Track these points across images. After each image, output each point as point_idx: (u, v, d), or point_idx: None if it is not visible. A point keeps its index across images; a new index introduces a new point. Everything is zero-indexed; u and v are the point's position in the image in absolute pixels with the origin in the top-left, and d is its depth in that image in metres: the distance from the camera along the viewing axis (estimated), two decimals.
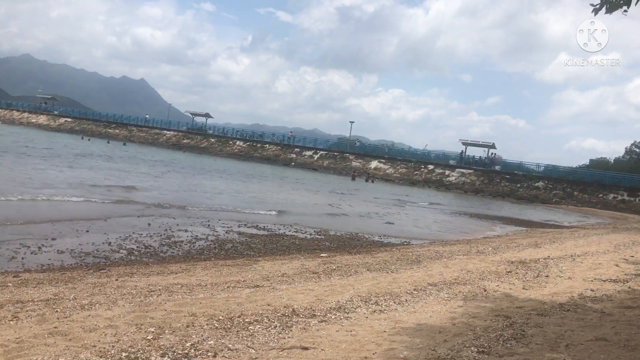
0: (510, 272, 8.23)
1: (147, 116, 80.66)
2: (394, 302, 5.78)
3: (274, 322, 4.67)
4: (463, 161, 52.02)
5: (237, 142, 62.65)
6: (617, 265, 9.28)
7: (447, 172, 50.07)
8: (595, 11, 4.77)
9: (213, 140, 63.85)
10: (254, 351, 3.88)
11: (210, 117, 70.64)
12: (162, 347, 3.80)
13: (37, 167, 21.05)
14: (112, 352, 3.64)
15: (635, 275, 8.32)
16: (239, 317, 4.74)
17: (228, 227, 11.95)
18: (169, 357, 3.63)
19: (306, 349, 3.98)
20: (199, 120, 71.22)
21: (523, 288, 6.97)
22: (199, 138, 64.73)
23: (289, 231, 12.50)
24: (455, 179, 48.93)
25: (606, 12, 4.73)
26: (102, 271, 6.83)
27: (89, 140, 55.24)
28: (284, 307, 5.21)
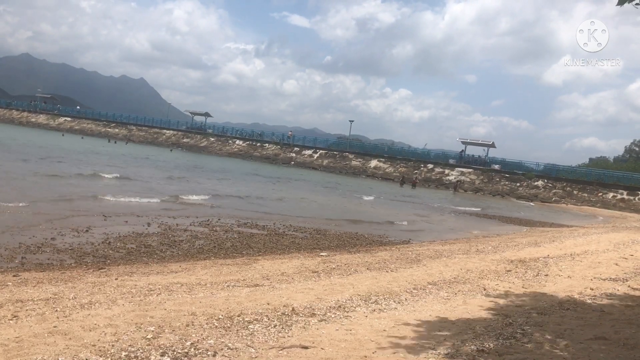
0: (510, 271, 8.24)
1: (78, 108, 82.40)
2: (394, 301, 5.78)
3: (273, 321, 4.67)
4: (463, 160, 52.02)
5: (237, 142, 62.62)
6: (616, 264, 9.28)
7: (446, 171, 50.07)
8: (621, 2, 4.78)
9: (212, 139, 63.83)
10: (253, 350, 3.88)
11: (210, 116, 70.58)
12: (161, 346, 3.80)
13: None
14: (112, 351, 3.64)
15: (634, 274, 8.33)
16: (238, 316, 4.74)
17: (228, 227, 11.95)
18: (168, 356, 3.63)
19: (306, 347, 3.99)
20: (199, 119, 71.23)
21: (523, 287, 6.98)
22: (199, 137, 64.70)
23: (289, 230, 12.50)
24: (454, 178, 48.93)
25: (617, 4, 4.73)
26: (101, 270, 6.83)
27: (82, 138, 55.31)
28: (284, 306, 5.21)
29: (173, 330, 4.18)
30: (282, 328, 4.48)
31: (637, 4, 4.71)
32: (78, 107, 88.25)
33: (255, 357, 3.75)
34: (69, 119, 73.98)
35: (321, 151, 57.43)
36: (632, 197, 41.60)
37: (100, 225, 10.41)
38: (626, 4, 4.75)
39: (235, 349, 3.88)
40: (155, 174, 25.57)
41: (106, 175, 20.71)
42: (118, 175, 21.30)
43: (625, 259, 10.16)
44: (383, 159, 53.57)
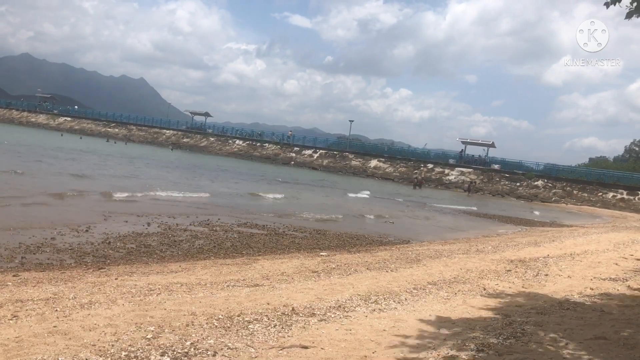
0: (510, 270, 8.24)
1: (76, 107, 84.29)
2: (394, 301, 5.78)
3: (273, 321, 4.67)
4: (462, 160, 52.04)
5: (237, 141, 62.63)
6: (616, 264, 9.28)
7: (446, 171, 50.09)
8: (607, 4, 4.80)
9: (212, 139, 63.85)
10: (253, 350, 3.88)
11: (210, 116, 70.59)
12: (161, 346, 3.80)
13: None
14: (112, 351, 3.64)
15: (634, 274, 8.33)
16: (238, 316, 4.74)
17: (228, 226, 11.94)
18: (168, 356, 3.63)
19: (306, 347, 3.99)
20: (199, 119, 71.23)
21: (522, 287, 6.98)
22: (199, 137, 64.71)
23: (289, 230, 12.49)
24: (454, 178, 48.95)
25: (626, 18, 4.76)
26: (101, 270, 6.83)
27: (80, 138, 55.38)
28: (284, 306, 5.21)
29: (173, 330, 4.18)
30: (282, 328, 4.48)
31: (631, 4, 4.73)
32: (76, 106, 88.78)
33: (255, 357, 3.75)
34: (68, 119, 73.96)
35: (321, 151, 57.47)
36: (632, 197, 41.63)
37: (100, 225, 10.40)
38: (618, 5, 4.77)
39: (235, 348, 3.88)
40: (245, 187, 23.82)
41: (269, 196, 19.83)
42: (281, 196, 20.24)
43: (625, 258, 10.16)
44: (383, 159, 53.60)
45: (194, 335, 4.11)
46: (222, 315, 4.71)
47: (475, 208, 27.34)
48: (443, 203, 29.32)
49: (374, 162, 53.43)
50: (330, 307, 5.31)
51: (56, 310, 4.61)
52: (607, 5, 4.81)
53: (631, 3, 4.70)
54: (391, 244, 12.07)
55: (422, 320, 4.98)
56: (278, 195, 20.94)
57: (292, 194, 23.02)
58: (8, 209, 10.89)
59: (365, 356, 3.88)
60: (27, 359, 3.43)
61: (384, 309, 5.43)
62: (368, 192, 29.11)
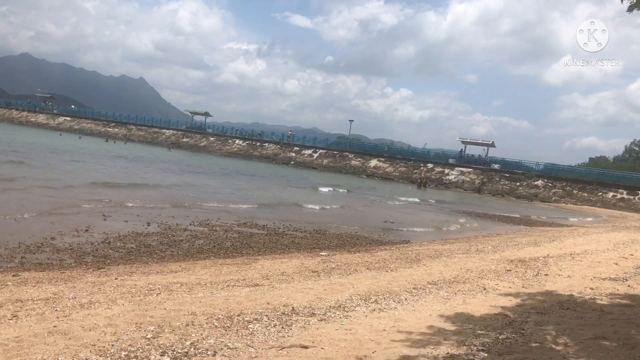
0: (510, 270, 8.24)
1: (73, 107, 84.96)
2: (394, 301, 5.78)
3: (273, 320, 4.67)
4: (462, 160, 52.04)
5: (237, 141, 62.64)
6: (616, 264, 9.28)
7: (446, 171, 50.09)
8: (630, 9, 4.81)
9: (212, 139, 63.86)
10: (253, 350, 3.88)
11: (210, 115, 70.58)
12: (161, 345, 3.80)
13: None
14: (112, 350, 3.64)
15: (634, 273, 8.33)
16: (238, 315, 4.74)
17: (227, 226, 11.94)
18: (168, 355, 3.63)
19: (306, 347, 3.99)
20: (198, 119, 71.24)
21: (522, 286, 6.98)
22: (198, 137, 64.71)
23: (289, 230, 12.49)
24: (454, 178, 48.95)
25: (627, 10, 4.77)
26: (101, 270, 6.83)
27: (79, 138, 55.43)
28: (284, 305, 5.21)
29: (173, 330, 4.18)
30: (282, 328, 4.48)
31: None
32: (73, 106, 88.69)
33: (255, 357, 3.75)
34: (68, 118, 73.95)
35: (321, 151, 57.49)
36: (631, 197, 41.63)
37: (99, 225, 10.40)
38: (620, 5, 4.78)
39: (235, 348, 3.88)
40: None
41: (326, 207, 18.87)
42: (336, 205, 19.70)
43: (625, 258, 10.16)
44: (383, 159, 53.61)
45: (194, 335, 4.11)
46: (222, 315, 4.71)
47: (518, 215, 26.32)
48: (479, 208, 27.34)
49: (373, 162, 53.43)
50: (330, 306, 5.31)
51: (56, 310, 4.61)
52: (630, 9, 4.82)
53: None
54: (391, 243, 12.07)
55: (422, 320, 4.98)
56: (327, 206, 19.44)
57: (343, 202, 21.86)
58: (38, 219, 10.87)
59: (365, 356, 3.88)
60: (27, 358, 3.43)
61: (384, 308, 5.43)
62: (417, 199, 28.62)
